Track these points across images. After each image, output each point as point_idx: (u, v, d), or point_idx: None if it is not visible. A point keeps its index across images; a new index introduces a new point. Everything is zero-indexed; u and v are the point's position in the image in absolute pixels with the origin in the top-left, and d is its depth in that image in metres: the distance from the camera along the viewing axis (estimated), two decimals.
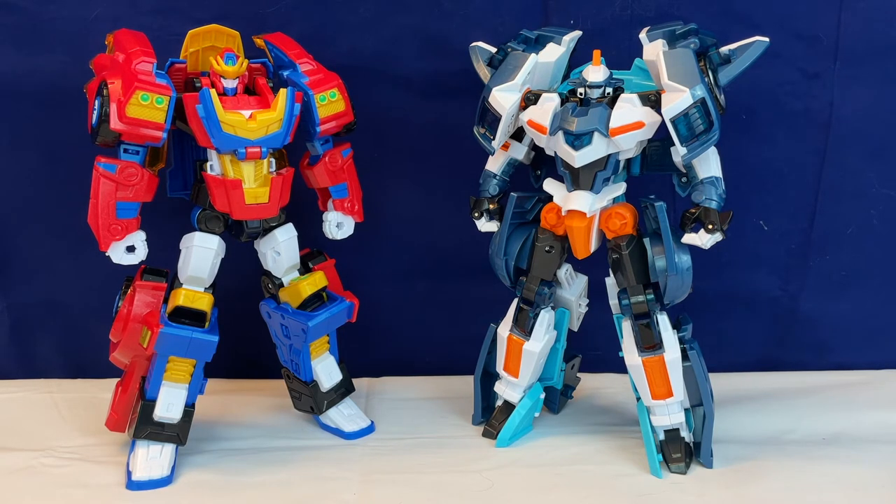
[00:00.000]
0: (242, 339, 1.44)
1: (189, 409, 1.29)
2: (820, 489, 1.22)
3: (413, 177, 1.51)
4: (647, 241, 1.26)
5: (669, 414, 1.27)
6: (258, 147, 1.22)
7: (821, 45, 1.43)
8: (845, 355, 1.58)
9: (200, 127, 1.20)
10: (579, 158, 1.19)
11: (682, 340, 1.27)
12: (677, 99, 1.16)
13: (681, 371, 1.26)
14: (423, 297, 1.57)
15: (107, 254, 1.23)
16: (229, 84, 1.24)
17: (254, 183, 1.24)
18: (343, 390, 1.41)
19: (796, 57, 1.44)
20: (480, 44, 1.32)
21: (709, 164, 1.22)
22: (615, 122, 1.18)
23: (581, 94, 1.21)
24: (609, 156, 1.20)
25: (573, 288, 1.36)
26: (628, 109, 1.19)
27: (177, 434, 1.28)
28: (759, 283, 1.54)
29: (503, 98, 1.23)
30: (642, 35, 1.23)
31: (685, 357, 1.27)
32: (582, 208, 1.22)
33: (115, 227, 1.21)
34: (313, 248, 1.38)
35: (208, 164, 1.25)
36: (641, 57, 1.24)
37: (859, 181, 1.49)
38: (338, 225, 1.36)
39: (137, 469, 1.25)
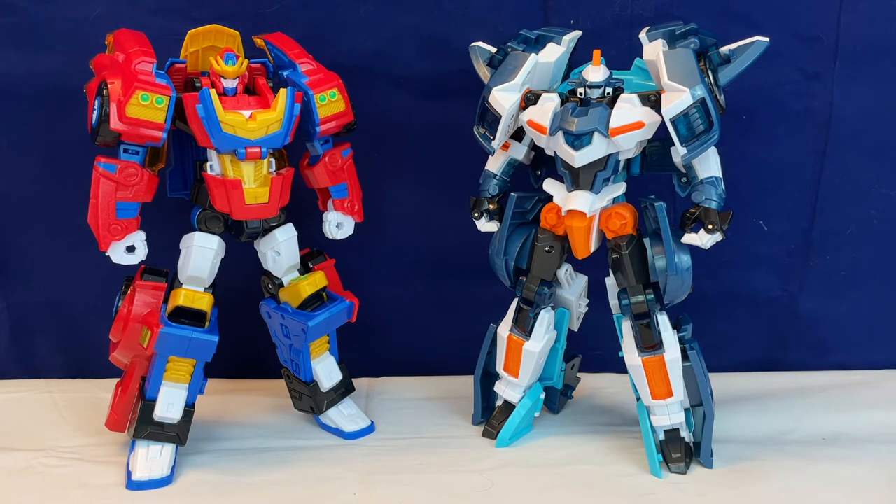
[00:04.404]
0: (242, 339, 1.44)
1: (189, 409, 1.29)
2: (820, 489, 1.23)
3: (413, 177, 1.51)
4: (647, 241, 1.26)
5: (669, 414, 1.27)
6: (258, 147, 1.22)
7: (821, 45, 1.43)
8: (845, 355, 1.58)
9: (200, 127, 1.20)
10: (579, 158, 1.19)
11: (682, 340, 1.27)
12: (677, 99, 1.16)
13: (681, 371, 1.26)
14: (423, 297, 1.57)
15: (107, 254, 1.23)
16: (229, 84, 1.24)
17: (254, 183, 1.24)
18: (343, 390, 1.41)
19: (796, 57, 1.44)
20: (480, 44, 1.32)
21: (709, 164, 1.22)
22: (615, 122, 1.18)
23: (581, 94, 1.21)
24: (609, 156, 1.20)
25: (573, 288, 1.36)
26: (628, 109, 1.19)
27: (177, 434, 1.28)
28: (759, 283, 1.54)
29: (503, 98, 1.23)
30: (642, 35, 1.23)
31: (685, 357, 1.27)
32: (582, 208, 1.22)
33: (115, 227, 1.21)
34: (313, 248, 1.38)
35: (208, 164, 1.25)
36: (641, 57, 1.24)
37: (859, 181, 1.49)
38: (338, 225, 1.36)
39: (137, 469, 1.25)
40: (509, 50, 1.28)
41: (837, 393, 1.49)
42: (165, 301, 1.27)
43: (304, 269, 1.35)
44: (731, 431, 1.36)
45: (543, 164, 1.34)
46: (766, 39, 1.20)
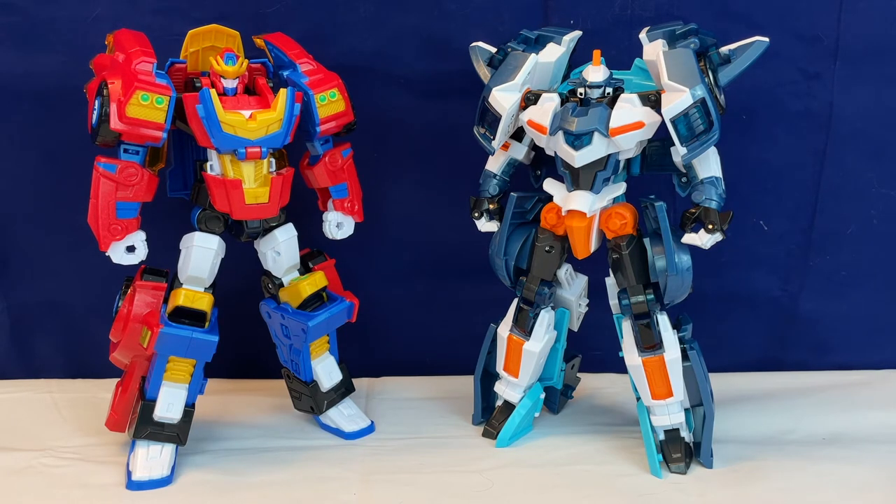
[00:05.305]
0: (242, 339, 1.44)
1: (189, 409, 1.29)
2: (820, 489, 1.23)
3: (413, 177, 1.51)
4: (647, 241, 1.26)
5: (669, 414, 1.27)
6: (258, 147, 1.22)
7: (821, 45, 1.43)
8: (845, 355, 1.57)
9: (200, 127, 1.20)
10: (579, 158, 1.19)
11: (682, 340, 1.27)
12: (677, 99, 1.16)
13: (681, 371, 1.26)
14: (423, 297, 1.57)
15: (107, 254, 1.23)
16: (229, 84, 1.24)
17: (254, 183, 1.24)
18: (343, 390, 1.41)
19: (796, 57, 1.44)
20: (480, 44, 1.32)
21: (709, 164, 1.22)
22: (615, 122, 1.18)
23: (581, 94, 1.21)
24: (609, 156, 1.20)
25: (573, 288, 1.36)
26: (628, 109, 1.19)
27: (177, 434, 1.28)
28: (759, 283, 1.54)
29: (503, 98, 1.23)
30: (642, 35, 1.23)
31: (685, 357, 1.27)
32: (582, 208, 1.22)
33: (115, 227, 1.21)
34: (313, 248, 1.38)
35: (208, 164, 1.25)
36: (641, 57, 1.24)
37: (859, 181, 1.49)
38: (338, 225, 1.36)
39: (137, 469, 1.25)
40: (509, 50, 1.28)
41: (837, 393, 1.49)
42: (165, 301, 1.27)
43: (304, 269, 1.35)
44: (731, 431, 1.36)
45: (543, 164, 1.34)
46: (766, 39, 1.20)
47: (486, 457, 1.33)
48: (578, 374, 1.48)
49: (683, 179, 1.25)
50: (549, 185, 1.26)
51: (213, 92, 1.20)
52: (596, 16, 1.42)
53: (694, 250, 1.24)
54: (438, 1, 1.43)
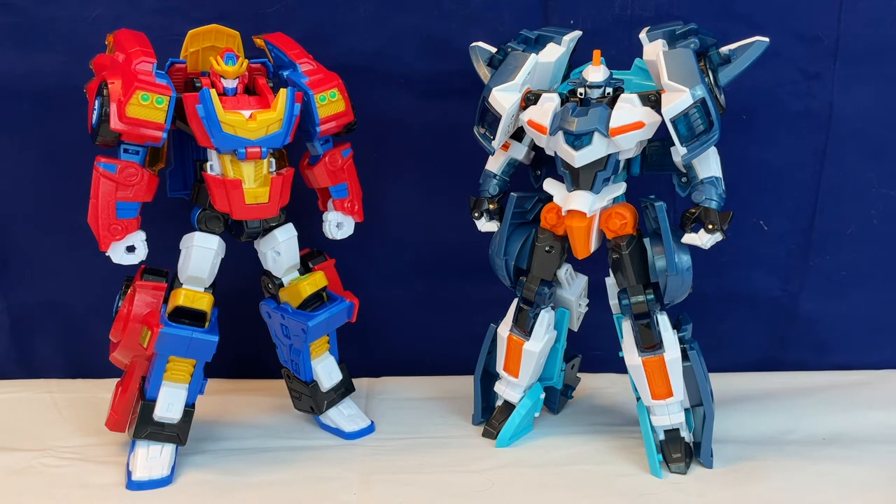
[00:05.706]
0: (242, 339, 1.44)
1: (189, 409, 1.29)
2: (820, 489, 1.23)
3: (413, 177, 1.51)
4: (647, 241, 1.26)
5: (669, 414, 1.27)
6: (258, 147, 1.22)
7: (821, 45, 1.43)
8: (845, 355, 1.57)
9: (200, 127, 1.20)
10: (579, 158, 1.19)
11: (682, 340, 1.27)
12: (677, 99, 1.16)
13: (681, 371, 1.26)
14: (423, 297, 1.57)
15: (107, 254, 1.23)
16: (229, 84, 1.24)
17: (254, 183, 1.24)
18: (343, 390, 1.41)
19: (796, 57, 1.44)
20: (480, 44, 1.32)
21: (709, 164, 1.22)
22: (615, 122, 1.18)
23: (581, 94, 1.21)
24: (609, 156, 1.20)
25: (573, 288, 1.36)
26: (628, 109, 1.19)
27: (177, 434, 1.28)
28: (759, 283, 1.54)
29: (503, 98, 1.23)
30: (642, 35, 1.23)
31: (685, 357, 1.27)
32: (582, 208, 1.22)
33: (115, 227, 1.21)
34: (313, 248, 1.38)
35: (208, 164, 1.25)
36: (641, 57, 1.24)
37: (859, 181, 1.49)
38: (338, 225, 1.36)
39: (137, 469, 1.25)
40: (509, 50, 1.28)
41: (837, 393, 1.49)
42: (165, 301, 1.27)
43: (304, 269, 1.35)
44: (731, 431, 1.36)
45: (543, 164, 1.34)
46: (766, 39, 1.20)
47: (486, 457, 1.33)
48: (578, 374, 1.48)
49: (683, 179, 1.25)
50: (549, 185, 1.26)
51: (213, 92, 1.20)
52: (596, 16, 1.42)
53: (694, 250, 1.24)
54: (438, 1, 1.43)
